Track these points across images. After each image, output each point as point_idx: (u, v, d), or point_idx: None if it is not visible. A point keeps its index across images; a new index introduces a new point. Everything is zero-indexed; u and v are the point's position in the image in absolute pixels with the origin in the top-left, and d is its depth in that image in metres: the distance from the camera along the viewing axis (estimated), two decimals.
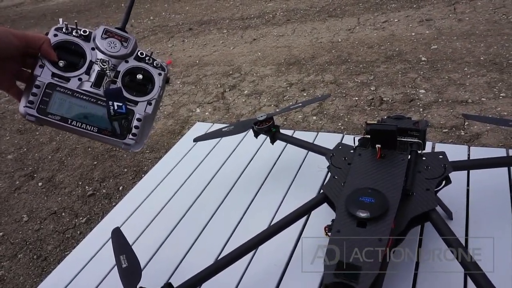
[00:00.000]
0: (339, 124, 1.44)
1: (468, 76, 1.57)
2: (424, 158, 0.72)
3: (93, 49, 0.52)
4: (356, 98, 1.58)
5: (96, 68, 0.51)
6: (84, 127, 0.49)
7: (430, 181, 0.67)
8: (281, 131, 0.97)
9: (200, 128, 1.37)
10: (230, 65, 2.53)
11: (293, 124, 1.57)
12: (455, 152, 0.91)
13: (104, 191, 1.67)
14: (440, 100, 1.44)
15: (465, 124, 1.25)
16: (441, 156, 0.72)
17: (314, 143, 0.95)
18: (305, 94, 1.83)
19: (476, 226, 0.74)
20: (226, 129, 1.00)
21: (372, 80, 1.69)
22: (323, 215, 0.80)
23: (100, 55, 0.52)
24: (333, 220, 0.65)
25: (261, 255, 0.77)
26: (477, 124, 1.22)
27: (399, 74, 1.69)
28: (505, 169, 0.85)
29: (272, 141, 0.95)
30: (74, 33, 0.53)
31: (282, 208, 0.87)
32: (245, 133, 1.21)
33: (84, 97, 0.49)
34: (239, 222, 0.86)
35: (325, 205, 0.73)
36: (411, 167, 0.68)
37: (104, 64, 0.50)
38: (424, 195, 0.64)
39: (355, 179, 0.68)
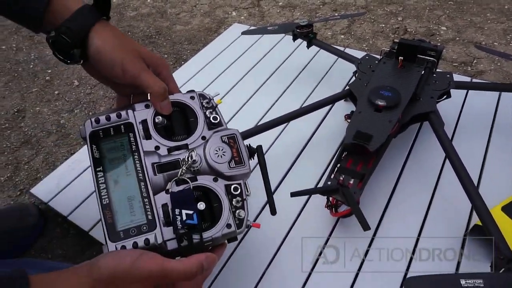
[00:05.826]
0: (364, 45, 1.56)
1: (489, 21, 1.66)
2: (434, 75, 0.89)
3: (203, 138, 0.40)
4: (383, 25, 1.68)
5: (181, 156, 0.38)
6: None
7: (435, 92, 0.84)
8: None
9: (237, 28, 1.50)
10: None
11: (322, 39, 1.67)
12: (460, 80, 1.09)
13: None
14: (457, 38, 1.55)
15: (474, 62, 1.39)
16: (448, 75, 0.89)
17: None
18: (336, 14, 1.90)
19: (459, 138, 0.94)
20: (271, 28, 1.14)
21: (400, 11, 1.77)
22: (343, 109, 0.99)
23: (200, 151, 0.38)
24: (352, 111, 0.84)
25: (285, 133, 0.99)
26: (484, 63, 1.37)
27: (426, 10, 1.77)
28: (496, 95, 1.03)
29: (308, 46, 1.09)
30: (205, 103, 0.45)
31: (309, 100, 1.05)
32: (281, 37, 1.34)
33: (138, 168, 0.37)
34: (270, 108, 1.05)
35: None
36: (423, 79, 0.85)
37: (194, 162, 0.36)
38: (428, 101, 0.82)
39: (378, 80, 0.85)
